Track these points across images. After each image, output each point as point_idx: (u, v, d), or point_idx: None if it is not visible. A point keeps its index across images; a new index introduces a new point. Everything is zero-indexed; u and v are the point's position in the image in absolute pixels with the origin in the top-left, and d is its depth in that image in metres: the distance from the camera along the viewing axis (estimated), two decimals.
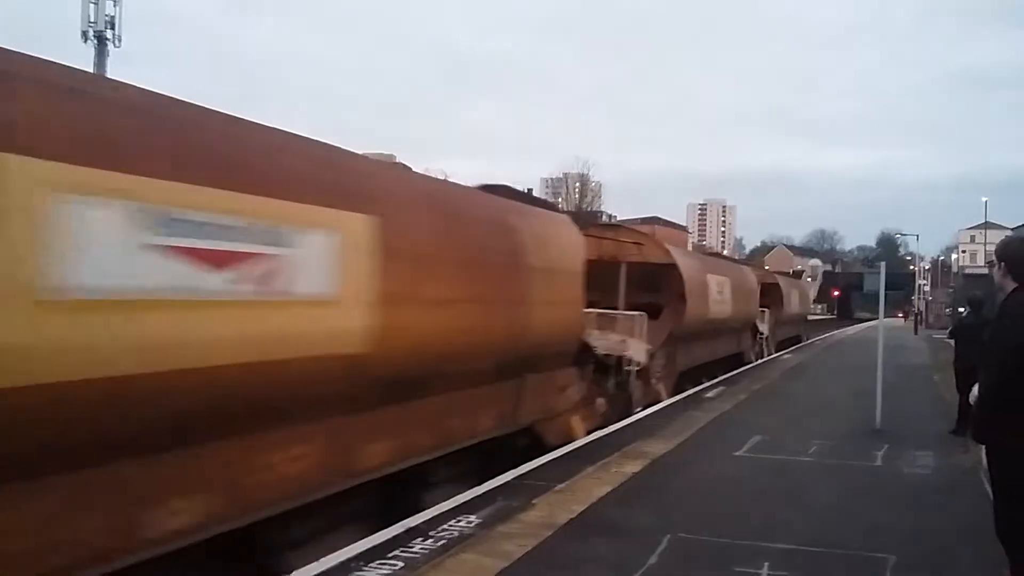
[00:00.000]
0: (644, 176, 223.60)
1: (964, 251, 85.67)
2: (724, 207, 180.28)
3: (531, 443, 8.64)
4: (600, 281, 13.03)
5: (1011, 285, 4.36)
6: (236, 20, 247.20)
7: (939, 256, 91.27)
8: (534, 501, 6.54)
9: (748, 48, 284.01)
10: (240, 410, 4.54)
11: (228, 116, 4.91)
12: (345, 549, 5.19)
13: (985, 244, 64.98)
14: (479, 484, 7.07)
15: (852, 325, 59.93)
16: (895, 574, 5.23)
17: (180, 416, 4.16)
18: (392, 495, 6.46)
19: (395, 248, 5.72)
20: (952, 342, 12.50)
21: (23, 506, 3.56)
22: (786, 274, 41.27)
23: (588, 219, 49.06)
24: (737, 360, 21.05)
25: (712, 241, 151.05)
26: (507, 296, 7.72)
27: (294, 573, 4.80)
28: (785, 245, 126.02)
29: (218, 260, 4.25)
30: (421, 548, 5.30)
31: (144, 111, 4.22)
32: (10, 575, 3.49)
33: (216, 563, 4.93)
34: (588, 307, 11.57)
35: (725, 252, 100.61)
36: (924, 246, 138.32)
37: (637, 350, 12.01)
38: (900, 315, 63.98)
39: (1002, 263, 4.47)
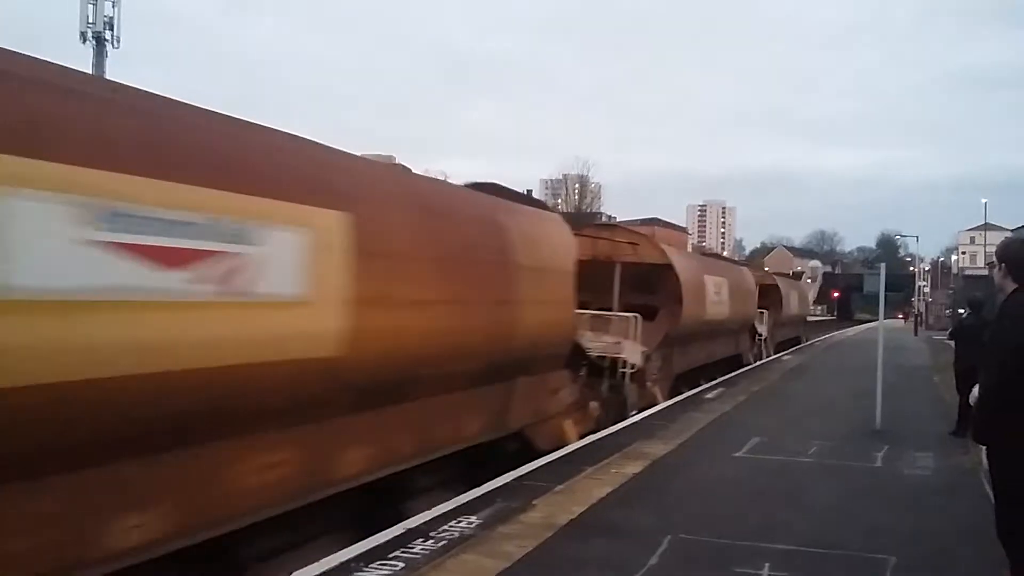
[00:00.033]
0: (644, 177, 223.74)
1: (964, 252, 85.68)
2: (724, 208, 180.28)
3: (521, 448, 8.41)
4: (595, 282, 12.93)
5: (1011, 286, 4.37)
6: (236, 20, 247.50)
7: (939, 257, 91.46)
8: (534, 502, 6.54)
9: (748, 48, 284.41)
10: (202, 417, 4.32)
11: (186, 105, 4.65)
12: (346, 550, 5.18)
13: (985, 245, 64.98)
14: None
15: (852, 326, 59.93)
16: (895, 575, 5.23)
17: (134, 424, 3.94)
18: (375, 503, 6.27)
19: (371, 246, 5.49)
20: (952, 343, 12.51)
21: None
22: (785, 275, 41.26)
23: (587, 220, 49.03)
24: (735, 362, 20.94)
25: (712, 242, 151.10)
26: (493, 296, 7.46)
27: (295, 574, 4.79)
28: (785, 246, 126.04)
29: (173, 258, 4.01)
30: (422, 548, 5.29)
31: (83, 94, 3.95)
32: None
33: (216, 564, 4.93)
34: (582, 308, 11.42)
35: (725, 253, 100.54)
36: (924, 247, 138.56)
37: (632, 352, 11.84)
38: (900, 316, 63.96)
39: (1002, 264, 4.47)
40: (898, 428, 11.00)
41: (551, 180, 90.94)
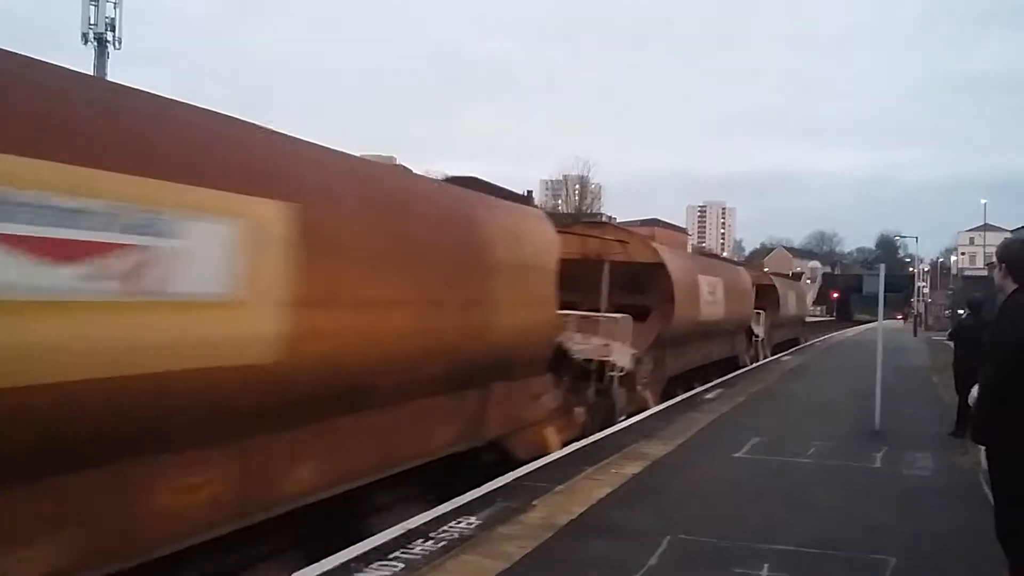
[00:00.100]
0: (644, 177, 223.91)
1: (963, 253, 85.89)
2: (724, 209, 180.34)
3: (500, 458, 7.93)
4: (583, 281, 12.54)
5: (1011, 286, 4.38)
6: (236, 21, 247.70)
7: (938, 258, 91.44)
8: (534, 502, 6.55)
9: (748, 49, 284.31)
10: (104, 435, 3.80)
11: (87, 77, 4.14)
12: (346, 551, 5.18)
13: (984, 246, 65.14)
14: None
15: (851, 327, 59.99)
16: None
17: (15, 445, 3.45)
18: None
19: (319, 241, 4.98)
20: (951, 344, 12.52)
21: None
22: (784, 276, 41.23)
23: (588, 221, 48.97)
24: (731, 364, 20.67)
25: (712, 243, 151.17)
26: (465, 296, 6.92)
27: (295, 574, 4.79)
28: (784, 247, 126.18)
29: (63, 252, 3.51)
30: (421, 549, 5.30)
31: None
32: None
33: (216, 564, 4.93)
34: (571, 309, 11.02)
35: (724, 254, 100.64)
36: (923, 248, 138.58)
37: (621, 355, 11.36)
38: (899, 317, 64.05)
39: (1003, 264, 4.48)
40: (897, 429, 11.01)
41: (551, 181, 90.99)
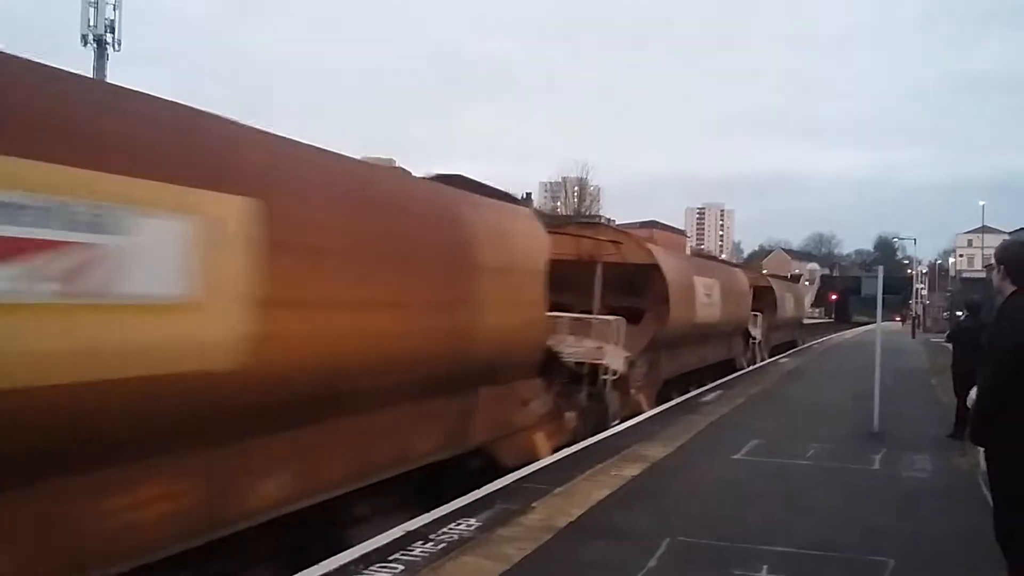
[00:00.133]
0: (643, 179, 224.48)
1: (962, 255, 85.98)
2: (722, 211, 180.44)
3: (486, 465, 7.69)
4: (576, 283, 12.35)
5: (1010, 288, 4.38)
6: (236, 21, 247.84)
7: (937, 260, 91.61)
8: (534, 504, 6.55)
9: (748, 50, 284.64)
10: (38, 448, 3.54)
11: (23, 60, 3.82)
12: (345, 552, 5.18)
13: (983, 248, 65.20)
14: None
15: (850, 329, 60.01)
16: None
17: None
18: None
19: (287, 239, 4.75)
20: (950, 346, 12.54)
21: None
22: (782, 277, 41.25)
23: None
24: (728, 367, 20.46)
25: (711, 245, 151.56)
26: (448, 297, 6.68)
27: None
28: (783, 249, 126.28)
29: None
30: (421, 551, 5.30)
31: None
32: None
33: (216, 564, 4.92)
34: (564, 311, 10.85)
35: (723, 256, 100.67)
36: (922, 250, 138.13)
37: (614, 358, 11.16)
38: (898, 319, 64.15)
39: (1001, 266, 4.49)
40: (896, 431, 11.02)
41: (550, 183, 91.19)
